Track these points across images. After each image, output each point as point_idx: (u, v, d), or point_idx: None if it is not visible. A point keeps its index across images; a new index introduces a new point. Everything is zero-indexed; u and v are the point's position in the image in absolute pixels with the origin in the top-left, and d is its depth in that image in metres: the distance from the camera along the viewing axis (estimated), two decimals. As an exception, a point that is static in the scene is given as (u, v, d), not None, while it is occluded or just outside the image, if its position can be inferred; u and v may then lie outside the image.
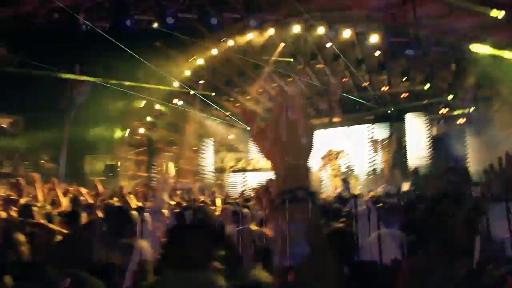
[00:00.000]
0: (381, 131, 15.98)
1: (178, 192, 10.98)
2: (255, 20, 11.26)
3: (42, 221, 4.74)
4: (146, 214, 3.91)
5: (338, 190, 13.09)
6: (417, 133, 14.97)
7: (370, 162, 15.73)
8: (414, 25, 9.95)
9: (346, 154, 15.45)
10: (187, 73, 13.91)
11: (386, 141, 15.70)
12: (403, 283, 2.15)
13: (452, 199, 2.20)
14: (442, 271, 2.04)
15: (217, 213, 5.77)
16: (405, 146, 15.17)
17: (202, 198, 10.33)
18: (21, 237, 3.58)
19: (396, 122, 15.59)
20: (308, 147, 1.04)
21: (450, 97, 13.49)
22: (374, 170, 15.57)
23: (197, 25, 11.23)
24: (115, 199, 6.78)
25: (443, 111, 14.77)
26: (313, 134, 1.05)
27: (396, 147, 15.40)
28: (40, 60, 11.38)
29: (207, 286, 2.33)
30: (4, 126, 14.07)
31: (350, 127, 16.32)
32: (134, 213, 4.38)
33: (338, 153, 15.40)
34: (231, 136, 15.16)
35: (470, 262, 2.05)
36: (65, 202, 6.43)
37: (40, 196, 6.27)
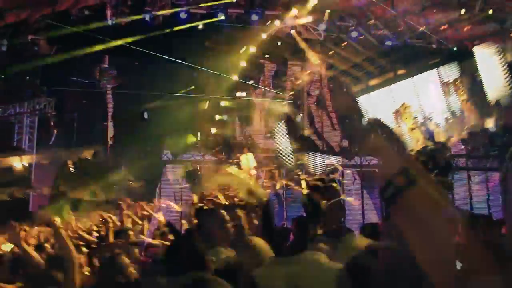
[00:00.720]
0: (450, 72, 15.15)
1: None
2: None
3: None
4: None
5: (420, 142, 12.64)
6: (490, 64, 14.06)
7: (446, 106, 15.02)
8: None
9: (420, 105, 14.86)
10: (243, 64, 14.07)
11: (458, 80, 14.89)
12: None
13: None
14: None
15: (304, 191, 5.83)
16: (480, 81, 14.31)
17: (285, 181, 10.47)
18: (127, 260, 3.79)
19: (464, 58, 14.73)
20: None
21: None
22: (453, 113, 14.85)
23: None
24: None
25: (514, 33, 13.75)
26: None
27: (471, 84, 14.58)
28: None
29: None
30: (89, 157, 14.93)
31: (416, 76, 15.63)
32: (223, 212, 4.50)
33: (410, 106, 14.85)
34: (299, 117, 15.14)
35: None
36: (161, 218, 6.81)
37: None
